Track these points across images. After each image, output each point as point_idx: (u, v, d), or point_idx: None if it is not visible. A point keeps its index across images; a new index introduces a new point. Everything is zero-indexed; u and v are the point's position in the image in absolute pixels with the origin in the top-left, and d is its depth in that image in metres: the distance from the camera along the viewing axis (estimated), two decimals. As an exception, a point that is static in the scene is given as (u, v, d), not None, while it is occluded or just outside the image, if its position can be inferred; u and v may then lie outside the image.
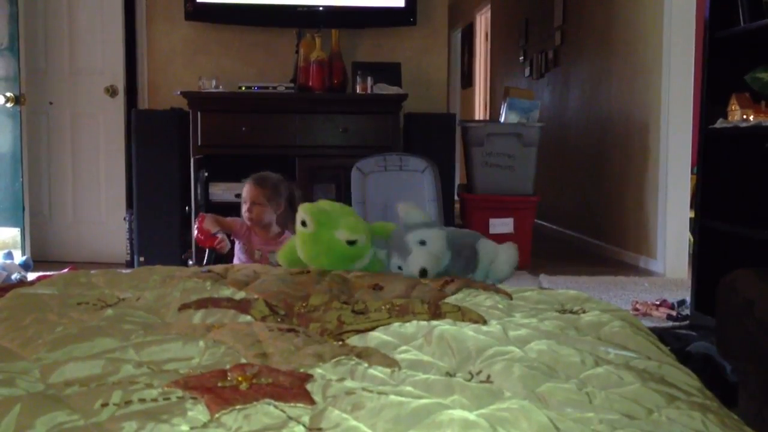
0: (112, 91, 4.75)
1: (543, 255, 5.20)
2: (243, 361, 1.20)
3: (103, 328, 1.36)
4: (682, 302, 3.58)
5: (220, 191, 4.31)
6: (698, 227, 3.30)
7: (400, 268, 2.08)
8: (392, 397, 1.01)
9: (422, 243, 2.02)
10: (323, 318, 1.53)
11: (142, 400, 1.00)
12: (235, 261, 3.27)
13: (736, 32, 3.09)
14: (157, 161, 4.38)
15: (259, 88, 4.47)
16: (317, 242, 2.16)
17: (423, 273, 1.96)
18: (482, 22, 9.83)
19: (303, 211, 2.17)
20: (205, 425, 0.95)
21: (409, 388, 1.08)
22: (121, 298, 1.66)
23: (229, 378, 1.08)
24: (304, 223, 2.15)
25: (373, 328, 1.42)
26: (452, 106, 9.47)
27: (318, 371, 1.15)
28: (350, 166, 4.18)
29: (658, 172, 4.71)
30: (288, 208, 3.29)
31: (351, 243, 2.11)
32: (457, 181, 5.47)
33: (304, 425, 0.95)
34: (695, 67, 4.49)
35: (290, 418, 0.97)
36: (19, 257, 4.38)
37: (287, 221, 3.27)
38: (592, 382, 1.14)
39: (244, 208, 3.30)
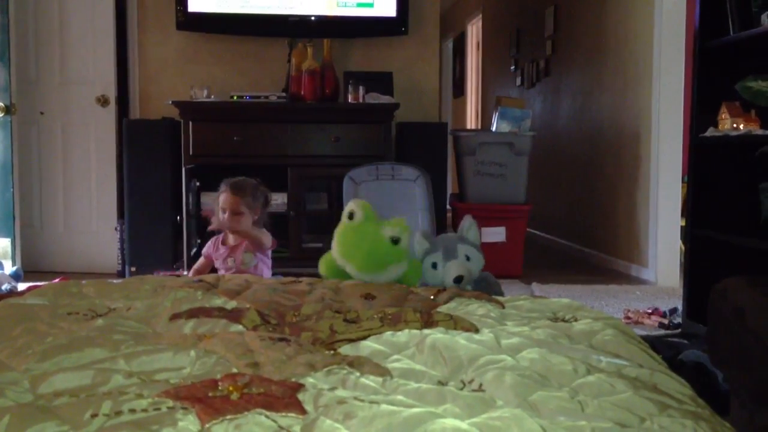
0: (103, 101, 4.74)
1: (535, 263, 5.21)
2: (234, 370, 1.19)
3: (93, 339, 1.35)
4: (673, 310, 3.59)
5: (212, 201, 4.29)
6: (689, 235, 3.31)
7: (435, 266, 2.37)
8: (384, 406, 1.01)
9: (467, 258, 2.38)
10: (315, 327, 1.52)
11: (132, 411, 0.99)
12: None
13: (726, 41, 3.11)
14: (149, 171, 4.37)
15: (250, 97, 4.47)
16: (361, 234, 2.22)
17: (458, 279, 2.31)
18: (474, 32, 9.86)
19: (354, 203, 2.26)
20: (195, 435, 0.94)
21: (401, 397, 1.08)
22: (111, 308, 1.66)
23: (220, 388, 1.08)
24: (351, 216, 2.24)
25: (365, 337, 1.42)
26: (444, 116, 9.50)
27: (309, 380, 1.14)
28: (342, 175, 4.18)
29: (649, 180, 4.72)
30: (263, 213, 3.29)
31: (395, 241, 2.23)
32: (450, 190, 5.48)
33: (295, 435, 0.95)
34: (685, 76, 4.52)
35: (281, 428, 0.96)
36: (9, 267, 4.35)
37: (262, 223, 3.28)
38: (584, 391, 1.14)
39: (222, 215, 3.26)
